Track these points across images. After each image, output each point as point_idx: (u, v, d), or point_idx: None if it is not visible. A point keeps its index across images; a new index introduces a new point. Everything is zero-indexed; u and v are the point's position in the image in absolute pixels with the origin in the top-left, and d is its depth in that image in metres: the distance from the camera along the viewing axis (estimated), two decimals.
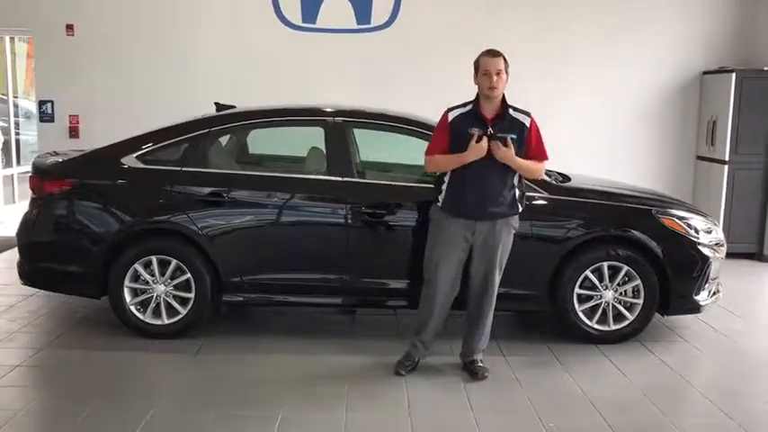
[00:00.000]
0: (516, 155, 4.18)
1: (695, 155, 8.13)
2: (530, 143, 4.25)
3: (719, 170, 7.62)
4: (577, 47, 7.97)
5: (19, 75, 11.48)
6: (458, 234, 4.27)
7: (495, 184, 4.21)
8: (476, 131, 4.14)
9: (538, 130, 4.30)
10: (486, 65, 4.17)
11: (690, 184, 8.16)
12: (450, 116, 4.27)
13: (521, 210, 4.35)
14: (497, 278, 4.35)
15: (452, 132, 4.24)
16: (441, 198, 4.32)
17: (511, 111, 4.24)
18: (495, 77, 4.13)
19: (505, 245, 4.33)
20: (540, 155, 4.33)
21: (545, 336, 5.07)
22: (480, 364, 4.38)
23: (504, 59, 4.21)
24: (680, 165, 8.17)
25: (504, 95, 4.25)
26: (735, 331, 5.38)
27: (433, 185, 4.45)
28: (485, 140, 4.12)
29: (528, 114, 4.28)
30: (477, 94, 4.27)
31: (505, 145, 4.13)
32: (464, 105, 4.29)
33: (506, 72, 4.20)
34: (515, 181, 4.29)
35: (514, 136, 4.18)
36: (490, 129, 4.17)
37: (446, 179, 4.29)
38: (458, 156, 4.18)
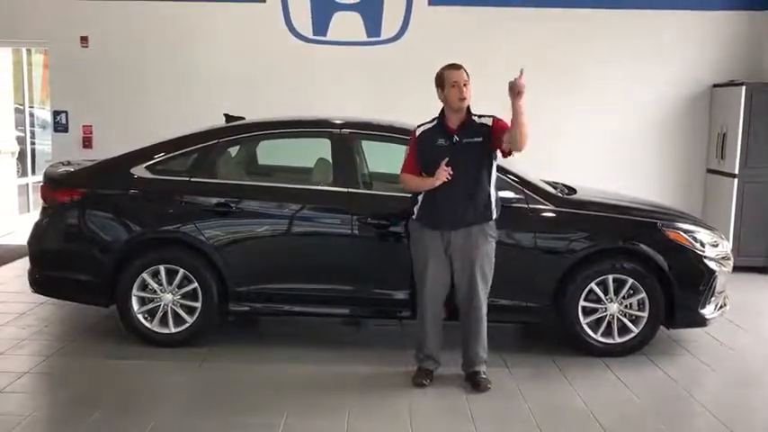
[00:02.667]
0: (482, 157, 4.27)
1: (705, 168, 8.12)
2: (497, 130, 4.25)
3: (729, 183, 7.60)
4: (587, 61, 7.99)
5: (35, 85, 11.65)
6: (434, 245, 4.32)
7: (466, 194, 4.25)
8: (441, 143, 4.27)
9: (503, 121, 4.26)
10: (454, 77, 4.27)
11: (700, 198, 8.15)
12: (418, 132, 4.41)
13: (495, 216, 4.36)
14: (482, 288, 4.33)
15: (419, 147, 4.36)
16: (416, 210, 4.40)
17: (475, 118, 4.33)
18: (464, 88, 4.24)
19: (484, 253, 4.32)
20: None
21: (549, 348, 5.07)
22: (483, 376, 4.39)
23: (466, 72, 4.31)
24: (690, 178, 8.15)
25: (468, 106, 4.33)
26: (741, 345, 5.35)
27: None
28: (445, 163, 4.19)
29: (491, 116, 4.34)
30: (443, 108, 4.37)
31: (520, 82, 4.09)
32: (431, 121, 4.41)
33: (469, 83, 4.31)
34: (488, 188, 4.31)
35: (479, 139, 4.25)
36: (456, 137, 4.27)
37: (421, 191, 4.37)
38: (428, 180, 4.27)
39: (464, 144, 4.27)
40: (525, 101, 4.08)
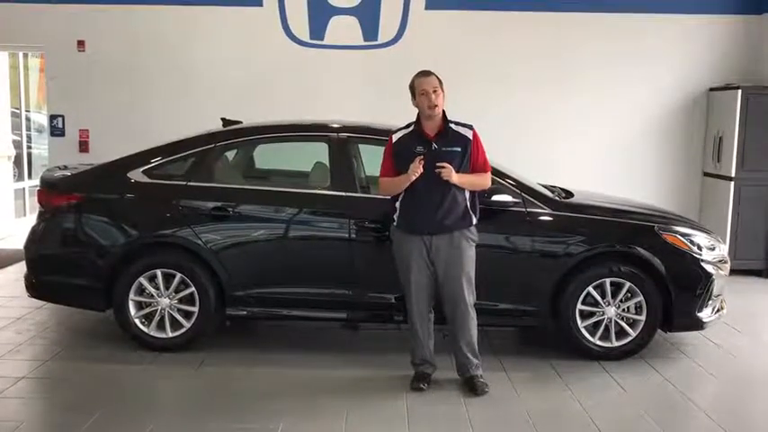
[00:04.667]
0: (460, 167, 4.27)
1: (702, 171, 8.13)
2: (474, 155, 4.34)
3: (726, 186, 7.62)
4: (584, 64, 8.00)
5: (31, 89, 11.63)
6: (416, 251, 4.32)
7: (444, 199, 4.26)
8: (419, 150, 4.24)
9: (480, 142, 4.38)
10: (423, 85, 4.28)
11: (696, 201, 8.16)
12: (394, 138, 4.40)
13: (475, 221, 4.38)
14: (467, 292, 4.33)
15: (396, 153, 4.36)
16: (396, 217, 4.40)
17: (452, 126, 4.34)
18: (433, 95, 4.24)
19: (468, 256, 4.34)
20: (484, 166, 4.39)
21: (547, 352, 5.07)
22: (481, 380, 4.38)
23: (438, 78, 4.32)
24: (686, 181, 8.17)
25: (444, 112, 4.33)
26: (738, 348, 5.35)
27: None
28: (419, 161, 4.19)
29: (470, 127, 4.37)
30: (418, 115, 4.36)
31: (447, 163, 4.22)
32: (407, 127, 4.41)
33: (442, 89, 4.30)
34: (466, 193, 4.34)
35: (458, 149, 4.27)
36: (434, 145, 4.27)
37: (399, 198, 4.37)
38: (402, 177, 4.27)
39: (443, 152, 4.27)
40: (462, 176, 4.28)
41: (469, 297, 4.36)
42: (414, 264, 4.34)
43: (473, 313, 4.38)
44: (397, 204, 4.38)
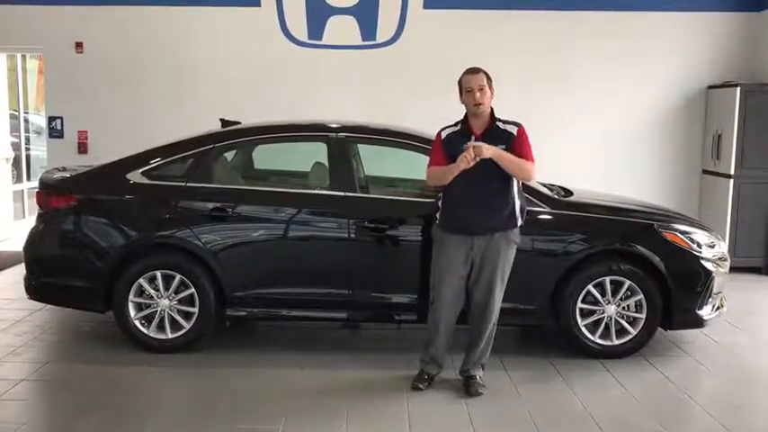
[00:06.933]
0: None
1: (701, 169, 8.14)
2: (516, 150, 4.24)
3: (725, 184, 7.62)
4: (583, 63, 8.01)
5: (30, 91, 11.62)
6: (457, 250, 4.29)
7: (489, 199, 4.23)
8: (469, 144, 4.16)
9: (525, 138, 4.26)
10: (469, 82, 4.23)
11: (696, 199, 8.16)
12: (443, 134, 4.37)
13: (520, 223, 4.35)
14: (498, 292, 4.34)
15: (446, 148, 4.31)
16: (438, 215, 4.38)
17: (500, 124, 4.29)
18: (478, 93, 4.19)
19: (505, 259, 4.32)
20: (526, 156, 4.25)
21: (547, 350, 5.07)
22: (478, 380, 4.37)
23: (486, 75, 4.26)
24: (685, 179, 8.17)
25: (492, 110, 4.30)
26: (738, 346, 5.35)
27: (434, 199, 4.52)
28: (471, 150, 4.10)
29: (517, 125, 4.30)
30: (466, 113, 4.33)
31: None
32: (455, 124, 4.37)
33: (490, 87, 4.25)
34: (513, 194, 4.30)
35: (502, 146, 4.22)
36: (479, 141, 4.22)
37: (442, 197, 4.35)
38: (450, 166, 4.20)
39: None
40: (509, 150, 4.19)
41: (499, 298, 4.35)
42: (453, 263, 4.30)
43: (498, 314, 4.38)
44: (440, 203, 4.36)
